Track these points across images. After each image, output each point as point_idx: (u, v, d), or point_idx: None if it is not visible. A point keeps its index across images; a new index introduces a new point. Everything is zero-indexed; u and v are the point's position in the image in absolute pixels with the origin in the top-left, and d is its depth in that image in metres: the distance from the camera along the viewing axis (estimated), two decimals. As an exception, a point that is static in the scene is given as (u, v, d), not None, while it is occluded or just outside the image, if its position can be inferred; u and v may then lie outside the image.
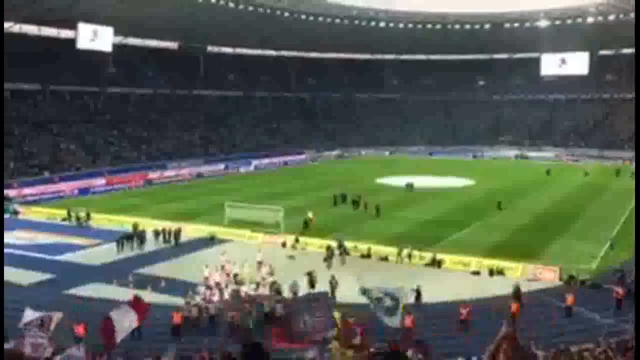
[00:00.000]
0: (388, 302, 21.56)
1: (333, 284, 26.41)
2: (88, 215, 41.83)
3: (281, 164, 79.55)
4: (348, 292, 25.11)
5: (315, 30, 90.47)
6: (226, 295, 25.19)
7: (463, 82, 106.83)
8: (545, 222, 41.47)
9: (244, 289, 26.10)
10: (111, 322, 12.80)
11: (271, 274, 27.70)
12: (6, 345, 16.33)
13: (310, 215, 39.18)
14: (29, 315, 15.57)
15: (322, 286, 26.61)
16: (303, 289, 26.43)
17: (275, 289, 25.94)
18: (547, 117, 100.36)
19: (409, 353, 12.91)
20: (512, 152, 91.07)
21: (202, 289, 25.60)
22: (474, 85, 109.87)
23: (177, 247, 35.56)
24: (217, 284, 26.35)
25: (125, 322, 12.91)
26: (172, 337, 21.75)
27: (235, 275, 27.71)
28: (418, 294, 25.38)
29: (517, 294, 25.34)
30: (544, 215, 44.28)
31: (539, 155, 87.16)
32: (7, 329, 18.81)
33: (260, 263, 28.81)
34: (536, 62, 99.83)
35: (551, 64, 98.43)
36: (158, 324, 22.78)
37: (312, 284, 26.70)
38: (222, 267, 28.21)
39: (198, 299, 24.58)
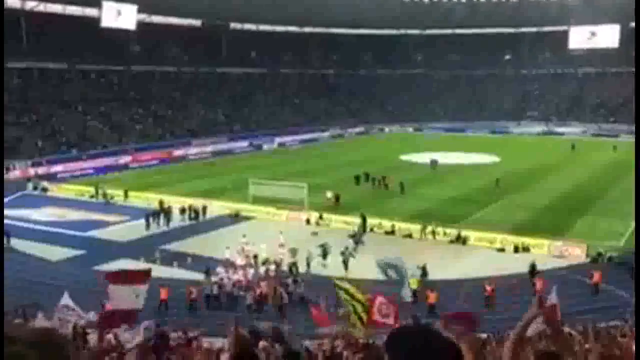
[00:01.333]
0: (393, 275, 21.79)
1: (346, 255, 26.91)
2: (126, 193, 42.24)
3: (305, 141, 79.47)
4: (360, 267, 25.51)
5: (338, 5, 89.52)
6: (249, 276, 25.44)
7: (489, 57, 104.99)
8: (571, 199, 40.90)
9: (262, 269, 26.29)
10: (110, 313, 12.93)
11: (294, 255, 27.70)
12: (37, 319, 16.77)
13: (329, 195, 39.06)
14: (66, 299, 15.93)
15: (335, 258, 27.14)
16: (317, 260, 26.99)
17: (290, 270, 26.28)
18: (576, 91, 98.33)
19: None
20: (539, 128, 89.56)
21: (222, 269, 25.84)
22: (501, 59, 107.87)
23: (203, 224, 35.95)
24: (240, 266, 26.57)
25: (127, 299, 12.79)
26: (188, 311, 22.34)
27: (255, 256, 27.72)
28: (424, 271, 25.30)
29: (532, 271, 25.21)
30: (570, 191, 43.64)
31: (567, 131, 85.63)
32: (38, 302, 19.32)
33: (282, 245, 28.89)
34: (565, 35, 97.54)
35: (580, 37, 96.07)
36: (185, 298, 23.29)
37: (324, 255, 27.24)
38: (242, 249, 28.25)
39: (222, 275, 24.93)
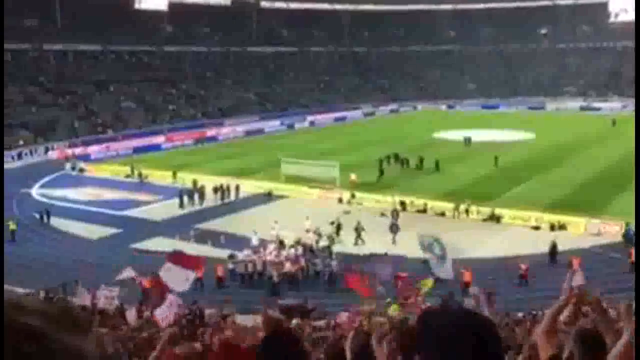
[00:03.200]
0: (437, 250, 21.67)
1: (359, 230, 27.05)
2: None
3: (336, 119, 79.18)
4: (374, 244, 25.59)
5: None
6: (281, 258, 25.47)
7: (524, 31, 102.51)
8: (609, 176, 39.90)
9: (292, 251, 26.24)
10: (160, 280, 13.59)
11: (331, 238, 27.53)
12: (79, 298, 17.28)
13: (353, 177, 38.12)
14: (128, 272, 16.56)
15: (347, 232, 27.35)
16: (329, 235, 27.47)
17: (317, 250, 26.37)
18: (615, 65, 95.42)
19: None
20: (576, 104, 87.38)
21: (249, 252, 25.88)
22: (536, 33, 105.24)
23: (236, 202, 36.27)
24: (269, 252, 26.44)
25: (178, 279, 13.37)
26: (216, 288, 22.84)
27: (281, 242, 27.11)
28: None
29: (553, 251, 24.78)
30: (608, 168, 42.56)
31: (606, 106, 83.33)
32: (78, 279, 19.81)
33: (308, 231, 28.25)
34: (603, 7, 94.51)
35: (619, 9, 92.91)
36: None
37: (337, 231, 27.97)
38: (274, 236, 27.62)
39: (253, 257, 25.11)
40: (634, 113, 78.37)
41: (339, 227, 28.49)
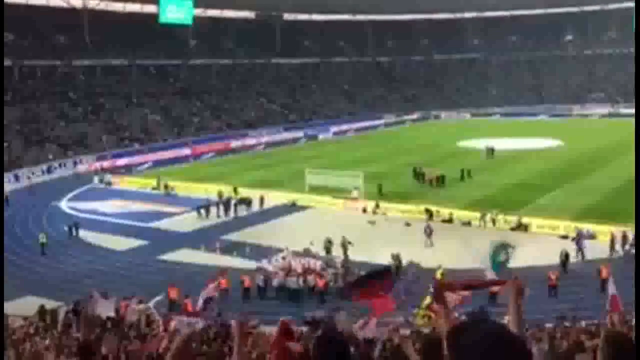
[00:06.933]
0: (503, 257, 21.19)
1: (345, 245, 26.61)
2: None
3: (360, 129, 79.09)
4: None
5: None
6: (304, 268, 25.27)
7: (550, 38, 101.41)
8: (641, 184, 39.08)
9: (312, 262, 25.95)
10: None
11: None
12: (108, 305, 17.47)
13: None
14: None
15: (335, 249, 26.87)
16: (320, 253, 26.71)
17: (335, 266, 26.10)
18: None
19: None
20: (604, 111, 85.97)
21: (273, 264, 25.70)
22: (562, 40, 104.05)
23: (261, 213, 36.39)
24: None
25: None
26: (242, 299, 22.81)
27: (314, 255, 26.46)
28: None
29: (565, 261, 24.29)
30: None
31: (634, 112, 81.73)
32: (106, 290, 20.01)
33: (314, 256, 26.54)
34: (630, 12, 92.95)
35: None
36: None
37: (327, 250, 27.15)
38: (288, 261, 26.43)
39: (278, 270, 25.01)
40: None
41: (328, 247, 27.34)
